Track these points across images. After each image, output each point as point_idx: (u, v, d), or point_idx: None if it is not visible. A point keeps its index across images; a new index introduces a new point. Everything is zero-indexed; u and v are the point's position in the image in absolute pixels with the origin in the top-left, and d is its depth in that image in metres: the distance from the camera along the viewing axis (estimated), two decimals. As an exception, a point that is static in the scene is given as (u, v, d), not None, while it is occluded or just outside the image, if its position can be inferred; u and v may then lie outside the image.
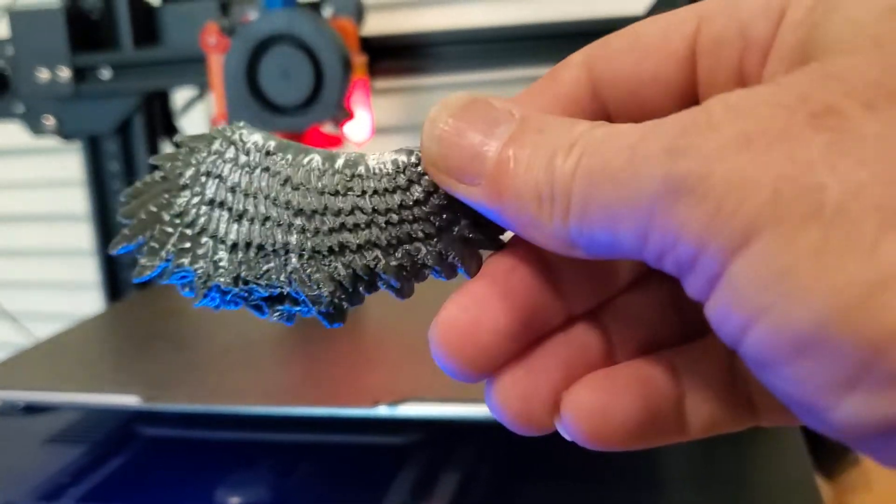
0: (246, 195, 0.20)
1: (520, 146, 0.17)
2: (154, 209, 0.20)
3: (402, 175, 0.19)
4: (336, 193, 0.19)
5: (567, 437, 0.19)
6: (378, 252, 0.19)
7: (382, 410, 0.42)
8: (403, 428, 0.45)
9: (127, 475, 0.45)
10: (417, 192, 0.19)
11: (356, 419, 0.44)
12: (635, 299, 0.20)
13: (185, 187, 0.20)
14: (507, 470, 0.45)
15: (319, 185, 0.19)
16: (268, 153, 0.20)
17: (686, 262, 0.14)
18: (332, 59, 0.57)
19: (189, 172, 0.20)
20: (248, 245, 0.20)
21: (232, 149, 0.20)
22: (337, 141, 0.65)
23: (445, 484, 0.42)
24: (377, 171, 0.19)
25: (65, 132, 0.73)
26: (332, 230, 0.19)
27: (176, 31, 0.72)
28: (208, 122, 0.83)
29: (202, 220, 0.20)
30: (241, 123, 0.20)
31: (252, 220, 0.20)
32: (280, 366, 0.52)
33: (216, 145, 0.20)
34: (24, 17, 0.71)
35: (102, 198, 0.76)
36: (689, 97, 0.19)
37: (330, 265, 0.19)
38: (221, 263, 0.20)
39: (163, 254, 0.20)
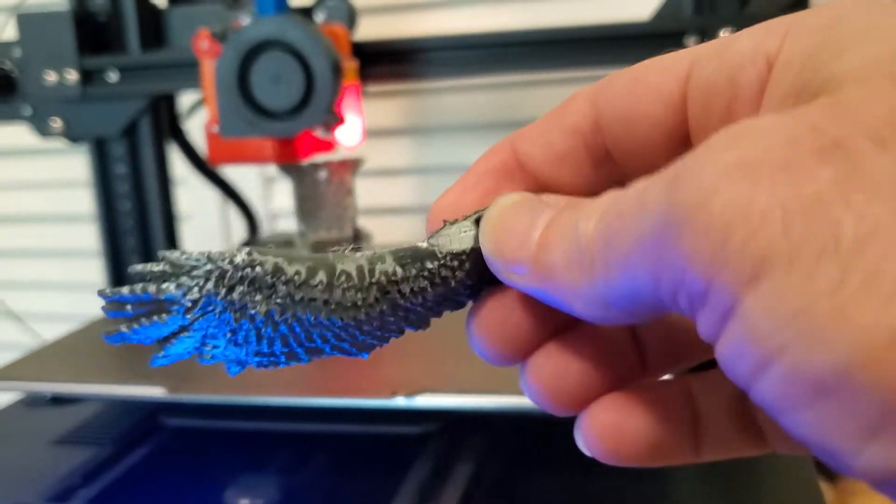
0: (285, 321, 0.19)
1: (555, 226, 0.18)
2: (160, 325, 0.20)
3: (436, 276, 0.20)
4: (376, 302, 0.20)
5: (586, 452, 0.20)
6: (415, 322, 0.21)
7: (400, 401, 0.43)
8: (420, 418, 0.46)
9: (153, 463, 0.46)
10: (454, 281, 0.20)
11: (375, 410, 0.45)
12: None
13: (203, 310, 0.19)
14: (521, 460, 0.46)
15: (358, 299, 0.20)
16: (298, 284, 0.19)
17: (697, 296, 0.14)
18: (322, 64, 0.58)
19: (206, 301, 0.19)
20: (286, 343, 0.20)
21: (249, 283, 0.19)
22: (328, 146, 0.66)
23: (461, 473, 0.43)
24: (404, 274, 0.20)
25: (72, 134, 0.73)
26: (374, 328, 0.20)
27: (183, 34, 0.73)
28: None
29: (226, 337, 0.20)
30: (248, 251, 0.19)
31: (297, 339, 0.20)
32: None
33: (230, 277, 0.19)
34: (31, 19, 0.71)
35: (109, 199, 0.76)
36: (682, 139, 0.19)
37: (371, 339, 0.21)
38: (265, 359, 0.20)
39: (183, 351, 0.20)
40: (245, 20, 0.62)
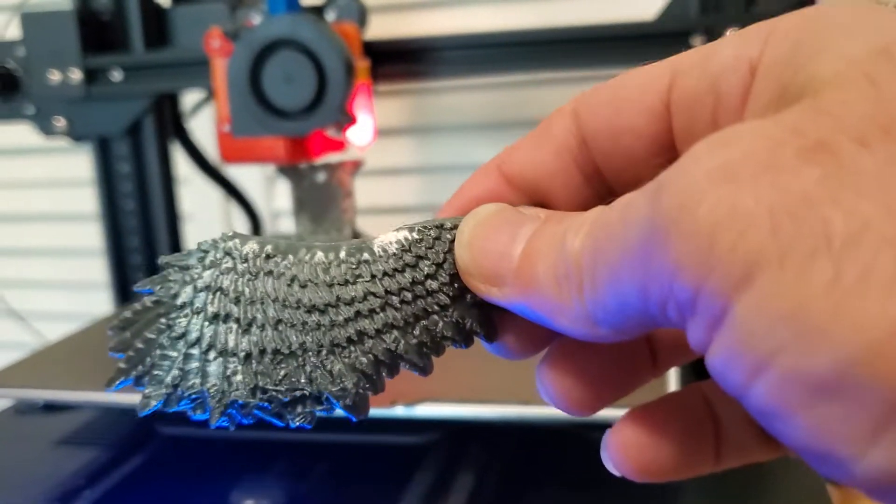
0: (252, 303, 0.19)
1: (540, 238, 0.17)
2: (151, 336, 0.19)
3: (408, 253, 0.19)
4: (346, 283, 0.19)
5: (615, 473, 0.20)
6: (396, 333, 0.19)
7: (400, 410, 0.42)
8: (420, 428, 0.46)
9: (146, 473, 0.45)
10: (426, 266, 0.19)
11: (374, 419, 0.44)
12: None
13: (183, 307, 0.20)
14: (523, 470, 0.45)
15: (327, 278, 0.19)
16: (268, 257, 0.19)
17: (685, 305, 0.14)
18: (334, 63, 0.57)
19: (186, 291, 0.20)
20: (262, 352, 0.19)
21: (228, 259, 0.20)
22: (339, 145, 0.65)
23: (461, 483, 0.42)
24: (382, 253, 0.19)
25: (75, 133, 0.73)
26: (347, 320, 0.19)
27: (186, 34, 0.72)
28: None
29: (208, 336, 0.19)
30: (231, 233, 0.20)
31: (263, 327, 0.19)
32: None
33: (210, 258, 0.20)
34: (35, 18, 0.71)
35: (112, 199, 0.76)
36: (668, 149, 0.19)
37: (351, 356, 0.19)
38: (236, 377, 0.19)
39: (168, 380, 0.19)
40: (256, 19, 0.61)
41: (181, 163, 0.78)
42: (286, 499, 0.42)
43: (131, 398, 0.46)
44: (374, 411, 0.43)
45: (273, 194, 0.99)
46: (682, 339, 0.21)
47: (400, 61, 0.66)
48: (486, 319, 0.20)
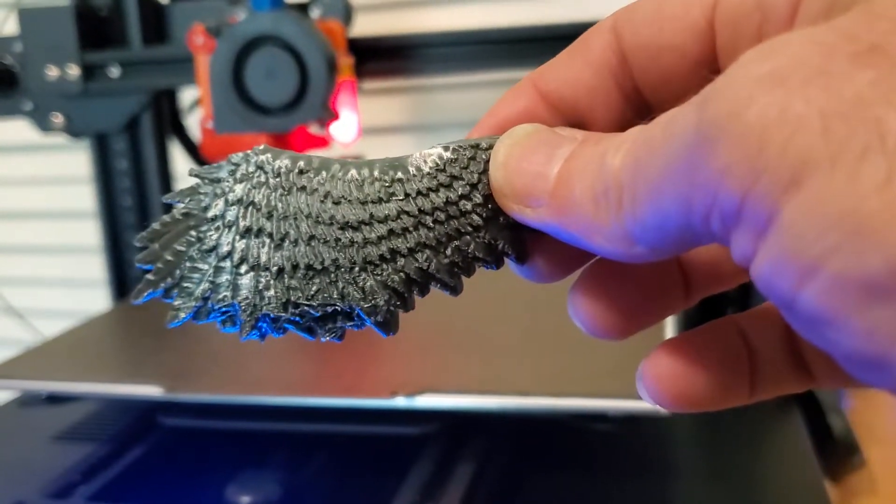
0: (285, 218, 0.19)
1: (577, 159, 0.17)
2: (181, 248, 0.19)
3: (442, 173, 0.19)
4: (379, 201, 0.19)
5: (649, 402, 0.19)
6: (428, 252, 0.19)
7: (400, 401, 0.42)
8: (421, 419, 0.46)
9: (150, 463, 0.45)
10: (460, 186, 0.19)
11: (374, 410, 0.45)
12: None
13: (214, 220, 0.19)
14: (523, 460, 0.45)
15: (361, 195, 0.19)
16: (301, 172, 0.19)
17: (730, 214, 0.13)
18: (317, 60, 0.57)
19: (217, 204, 0.19)
20: (295, 268, 0.19)
21: (260, 173, 0.19)
22: (323, 142, 0.66)
23: (461, 474, 0.42)
24: (416, 172, 0.19)
25: (73, 130, 0.73)
26: (380, 238, 0.19)
27: (184, 29, 0.72)
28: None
29: (240, 250, 0.19)
30: (262, 146, 0.20)
31: (296, 242, 0.19)
32: (300, 356, 0.52)
33: (241, 171, 0.20)
34: (33, 14, 0.71)
35: (110, 195, 0.76)
36: (710, 67, 0.19)
37: (383, 273, 0.19)
38: (268, 292, 0.19)
39: (198, 292, 0.19)
40: (241, 15, 0.61)
41: (179, 159, 0.78)
42: (286, 489, 0.42)
43: (135, 389, 0.46)
44: (374, 402, 0.44)
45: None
46: (717, 267, 0.21)
47: (385, 58, 0.66)
48: (518, 241, 0.20)
